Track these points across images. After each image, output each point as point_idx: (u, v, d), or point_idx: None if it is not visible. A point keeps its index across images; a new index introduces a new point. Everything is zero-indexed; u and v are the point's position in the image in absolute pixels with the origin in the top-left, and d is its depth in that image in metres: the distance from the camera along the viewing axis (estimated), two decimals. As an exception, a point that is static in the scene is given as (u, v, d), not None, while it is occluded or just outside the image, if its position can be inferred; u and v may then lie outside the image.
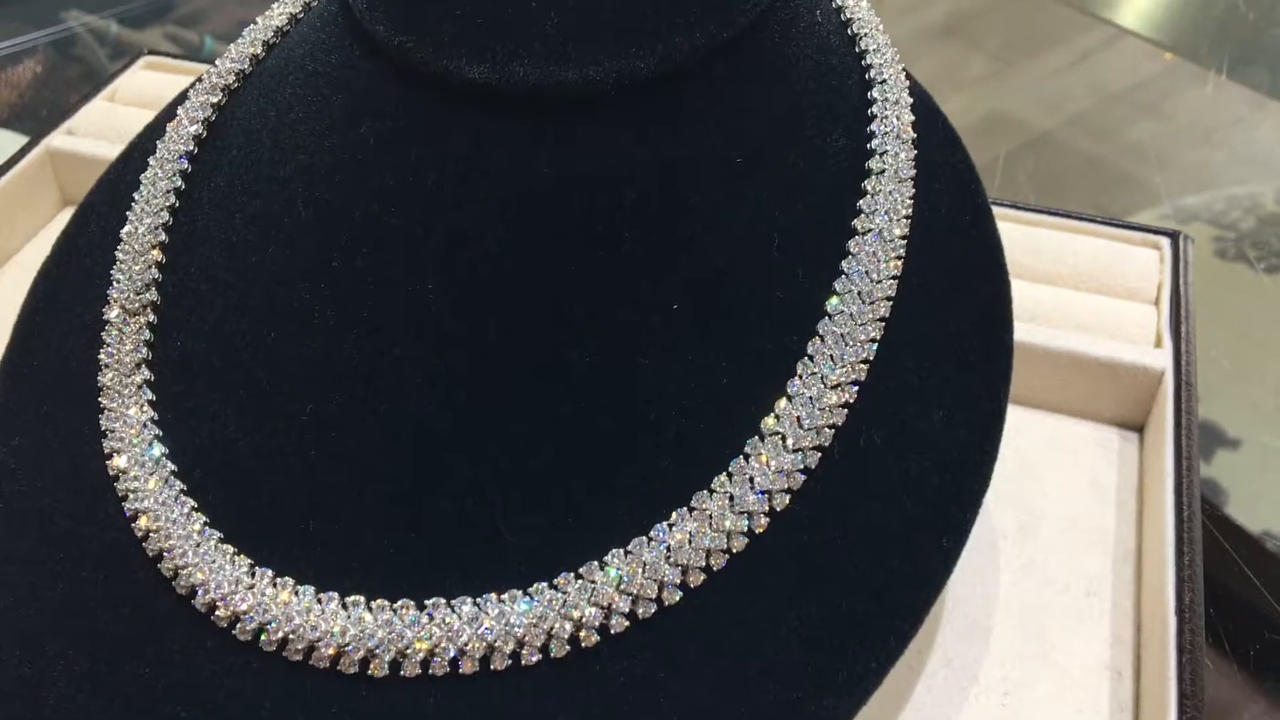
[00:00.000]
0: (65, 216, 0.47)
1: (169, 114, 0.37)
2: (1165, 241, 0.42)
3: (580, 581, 0.28)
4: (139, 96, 0.49)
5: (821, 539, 0.29)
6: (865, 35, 0.34)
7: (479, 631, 0.28)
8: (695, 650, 0.28)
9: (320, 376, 0.31)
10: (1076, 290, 0.41)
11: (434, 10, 0.30)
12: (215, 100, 0.36)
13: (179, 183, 0.35)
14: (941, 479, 0.30)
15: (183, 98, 0.37)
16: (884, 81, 0.33)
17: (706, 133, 0.31)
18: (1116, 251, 0.41)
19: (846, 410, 0.30)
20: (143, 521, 0.30)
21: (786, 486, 0.29)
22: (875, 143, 0.33)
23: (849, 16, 0.34)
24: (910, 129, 0.33)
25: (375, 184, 0.31)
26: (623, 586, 0.28)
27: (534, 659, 0.28)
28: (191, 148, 0.35)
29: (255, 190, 0.33)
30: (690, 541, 0.28)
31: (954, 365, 0.31)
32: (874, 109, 0.33)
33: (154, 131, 0.38)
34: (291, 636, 0.28)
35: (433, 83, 0.30)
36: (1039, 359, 0.39)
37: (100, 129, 0.47)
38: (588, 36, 0.29)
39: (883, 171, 0.32)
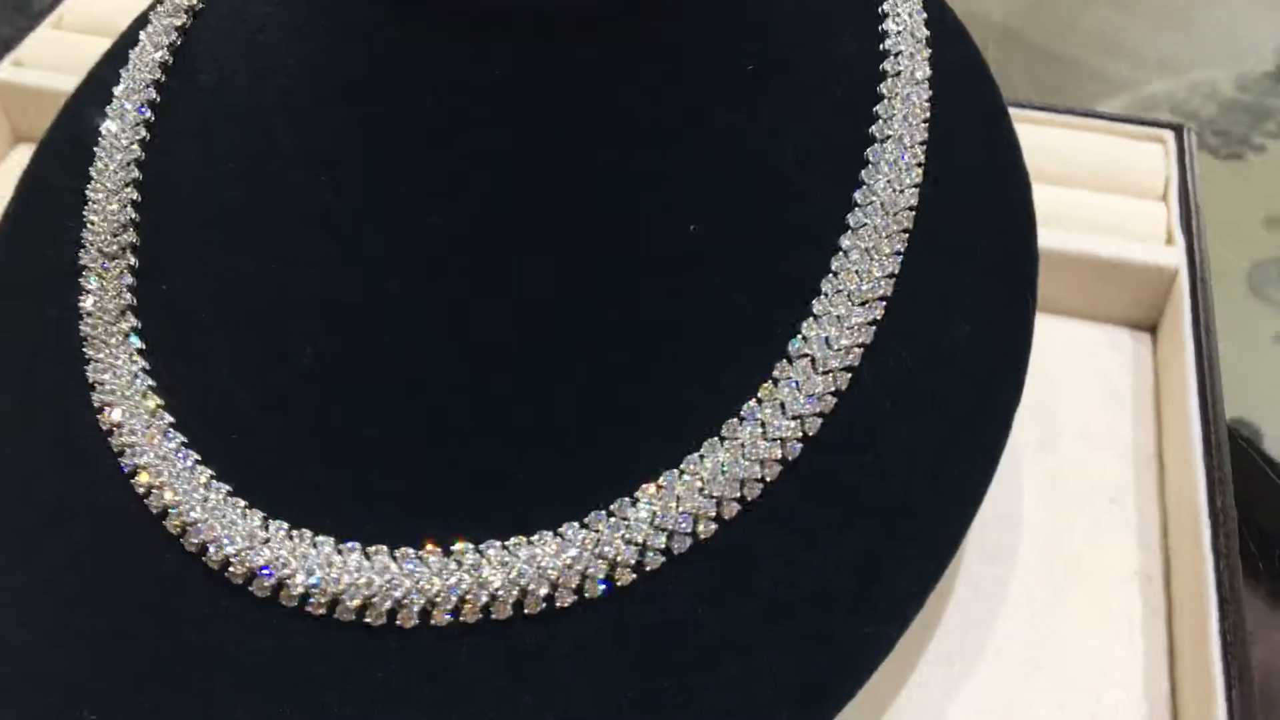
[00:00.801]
0: (19, 154, 0.45)
1: (130, 40, 0.35)
2: (1169, 135, 0.41)
3: (612, 519, 0.27)
4: (88, 22, 0.46)
5: (855, 463, 0.28)
6: None
7: (510, 576, 0.27)
8: (732, 584, 0.27)
9: (319, 315, 0.29)
10: (1081, 189, 0.40)
11: None
12: (179, 23, 0.34)
13: (148, 114, 0.33)
14: (975, 394, 0.29)
15: (143, 21, 0.35)
16: None
17: (713, 46, 0.29)
18: (1119, 148, 0.40)
19: (875, 327, 0.29)
20: (143, 477, 0.29)
21: (818, 410, 0.28)
22: (889, 43, 0.31)
23: None
24: (923, 26, 0.32)
25: (365, 113, 0.29)
26: (656, 522, 0.27)
27: (569, 601, 0.27)
28: (158, 75, 0.33)
29: (232, 119, 0.32)
30: (723, 472, 0.27)
31: (981, 274, 0.30)
32: (884, 7, 0.32)
33: (114, 60, 0.36)
34: (313, 591, 0.27)
35: (422, 5, 0.28)
36: (1046, 261, 0.38)
37: (50, 59, 0.44)
38: None
39: (898, 74, 0.31)
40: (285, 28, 0.31)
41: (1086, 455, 0.35)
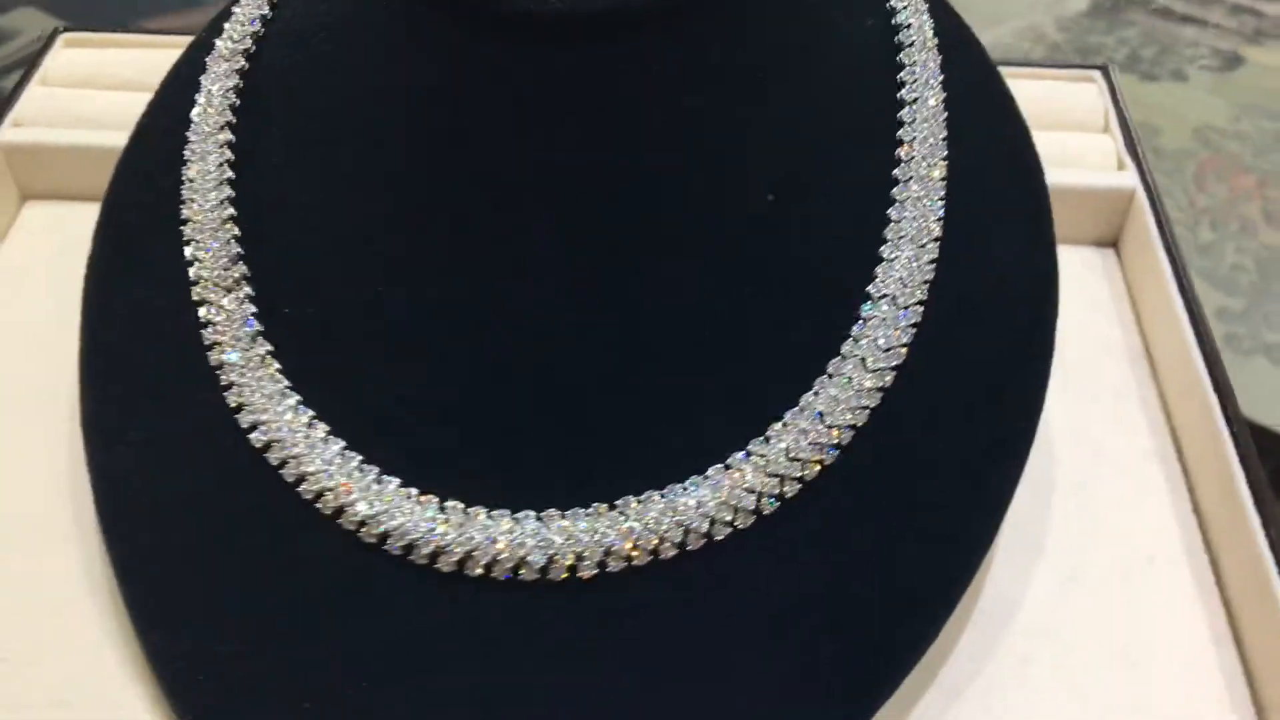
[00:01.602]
0: (28, 212, 0.46)
1: (178, 91, 0.37)
2: (1097, 74, 0.47)
3: (712, 481, 0.31)
4: (74, 77, 0.47)
5: (906, 454, 0.32)
6: None
7: (674, 519, 0.30)
8: (808, 547, 0.31)
9: (441, 322, 0.32)
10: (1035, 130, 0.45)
11: None
12: (239, 66, 0.36)
13: (229, 154, 0.35)
14: (1029, 315, 0.34)
15: (192, 70, 0.37)
16: None
17: (754, 40, 0.33)
18: (1058, 89, 0.46)
19: (934, 266, 0.33)
20: (315, 484, 0.31)
21: (865, 404, 0.32)
22: (900, 18, 0.35)
23: None
24: (924, 1, 0.36)
25: (452, 126, 0.32)
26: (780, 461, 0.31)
27: (723, 534, 0.30)
28: (230, 118, 0.35)
29: (312, 143, 0.34)
30: (789, 451, 0.31)
31: (1005, 219, 0.35)
32: None
33: (163, 110, 0.37)
34: (501, 560, 0.30)
35: (495, 19, 0.31)
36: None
37: (48, 117, 0.45)
38: None
39: (911, 44, 0.35)
40: (352, 45, 0.34)
41: (1090, 358, 0.40)
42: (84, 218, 0.44)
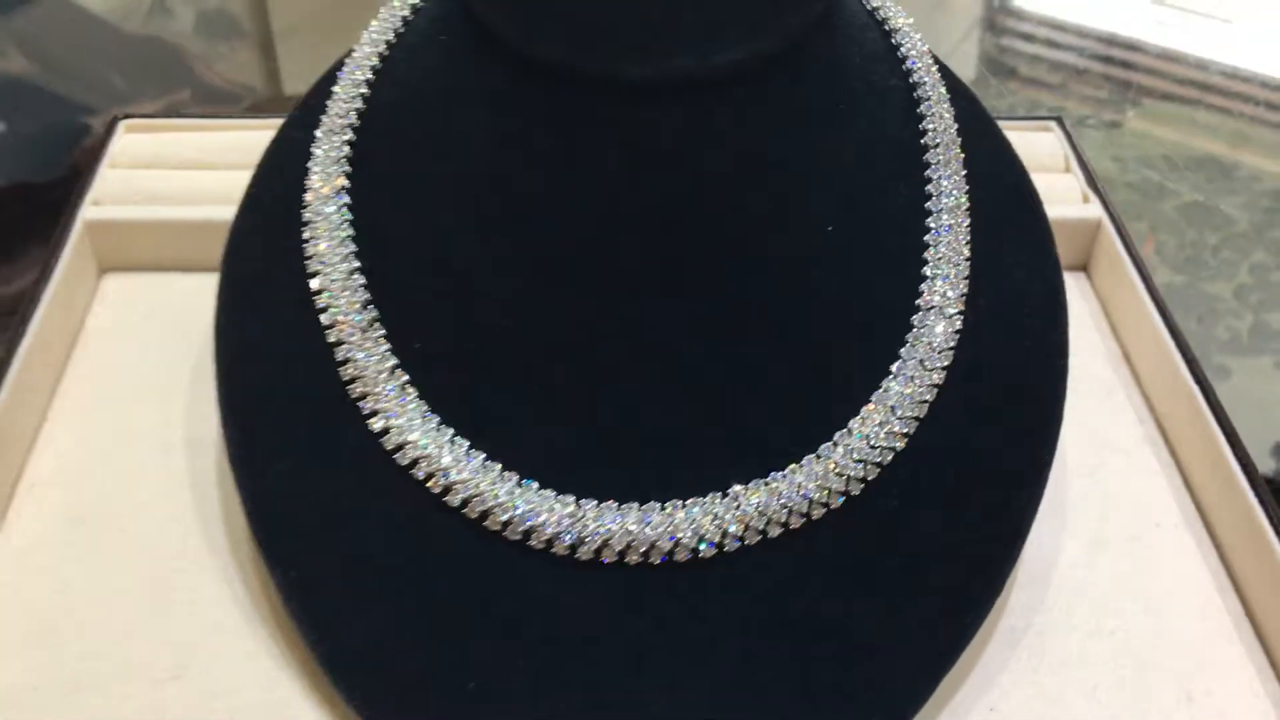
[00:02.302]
0: (108, 284, 0.49)
1: (287, 156, 0.41)
2: (1054, 124, 0.54)
3: (806, 468, 0.36)
4: (139, 159, 0.51)
5: (973, 396, 0.38)
6: (889, 18, 0.42)
7: (781, 501, 0.35)
8: (891, 524, 0.37)
9: (557, 347, 0.37)
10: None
11: (576, 18, 0.36)
12: (348, 137, 0.40)
13: (348, 214, 0.39)
14: (1043, 322, 0.40)
15: (299, 136, 0.41)
16: (907, 28, 0.42)
17: (815, 97, 0.38)
18: (1023, 137, 0.52)
19: (967, 281, 0.39)
20: (462, 495, 0.35)
21: (915, 415, 0.37)
22: (915, 77, 0.41)
23: (873, 5, 0.43)
24: (931, 55, 0.42)
25: (556, 178, 0.37)
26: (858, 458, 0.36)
27: (819, 513, 0.36)
28: (345, 182, 0.40)
29: (428, 204, 0.39)
30: (869, 440, 0.37)
31: (1018, 240, 0.41)
32: (903, 49, 0.42)
33: (275, 174, 0.41)
34: (632, 547, 0.35)
35: (594, 82, 0.36)
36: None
37: (120, 195, 0.49)
38: (714, 21, 0.36)
39: (929, 99, 0.41)
40: (456, 108, 0.38)
41: (1080, 363, 0.46)
42: (157, 286, 0.49)
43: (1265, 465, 0.79)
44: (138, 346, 0.47)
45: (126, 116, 0.52)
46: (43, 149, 0.96)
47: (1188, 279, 0.93)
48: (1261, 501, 0.40)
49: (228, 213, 0.46)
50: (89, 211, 0.48)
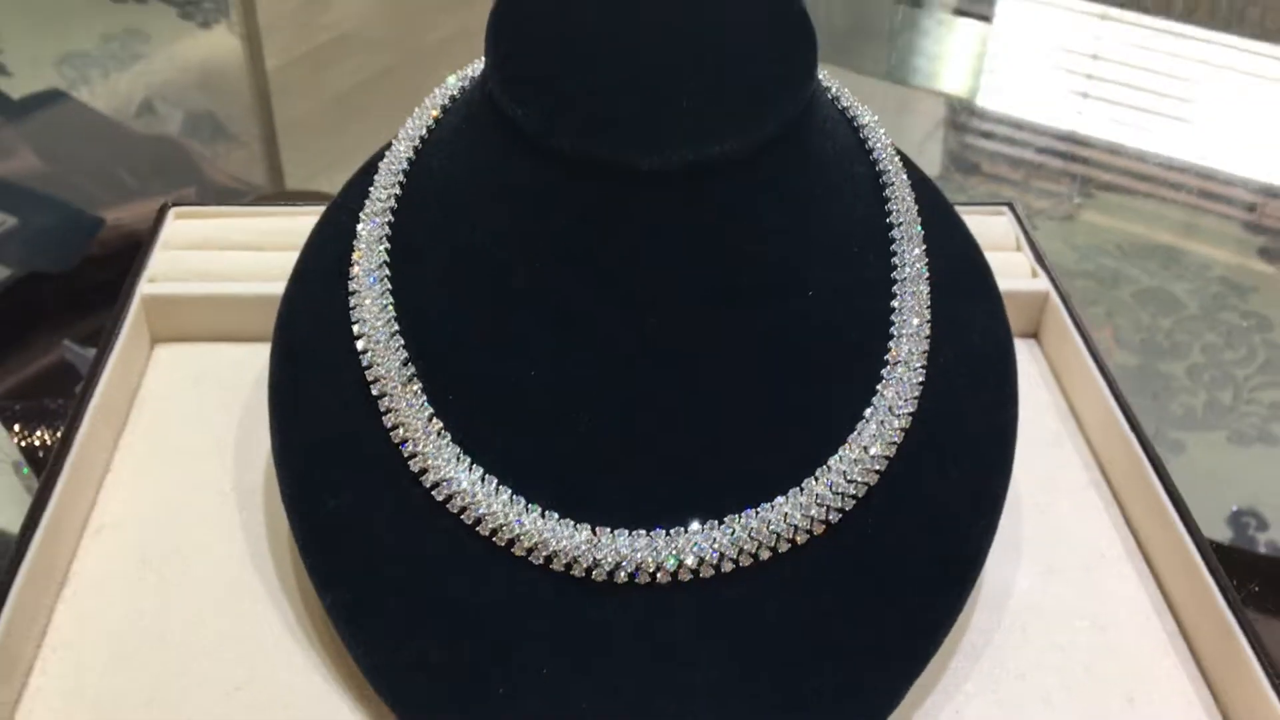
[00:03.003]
0: (159, 353, 0.54)
1: (333, 236, 0.47)
2: (1006, 209, 0.60)
3: (792, 499, 0.41)
4: (189, 242, 0.56)
5: (936, 438, 0.44)
6: (857, 116, 0.49)
7: (770, 528, 0.41)
8: (870, 545, 0.42)
9: (574, 397, 0.42)
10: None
11: (592, 114, 0.41)
12: (388, 220, 0.46)
13: (388, 285, 0.45)
14: (996, 375, 0.46)
15: (344, 218, 0.47)
16: (872, 124, 0.49)
17: (798, 182, 0.44)
18: (978, 220, 0.58)
19: (929, 340, 0.45)
20: (494, 523, 0.41)
21: (912, 397, 0.43)
22: (879, 165, 0.48)
23: (844, 105, 0.49)
24: (893, 148, 0.48)
25: (572, 252, 0.43)
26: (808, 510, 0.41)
27: (803, 539, 0.41)
28: (386, 258, 0.45)
29: (461, 277, 0.44)
30: (845, 476, 0.42)
31: (971, 303, 0.47)
32: (869, 142, 0.48)
33: (322, 251, 0.47)
34: (642, 568, 0.40)
35: (606, 172, 0.42)
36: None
37: (172, 273, 0.55)
38: (714, 116, 0.42)
39: (892, 184, 0.47)
40: (482, 192, 0.44)
41: (1030, 417, 0.52)
42: (204, 355, 0.54)
43: (1221, 534, 0.85)
44: (188, 408, 0.52)
45: (176, 204, 0.58)
46: (55, 242, 1.02)
47: (1143, 360, 1.00)
48: (1191, 534, 0.45)
49: (267, 288, 0.52)
50: (145, 288, 0.54)
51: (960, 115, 1.31)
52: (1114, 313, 1.04)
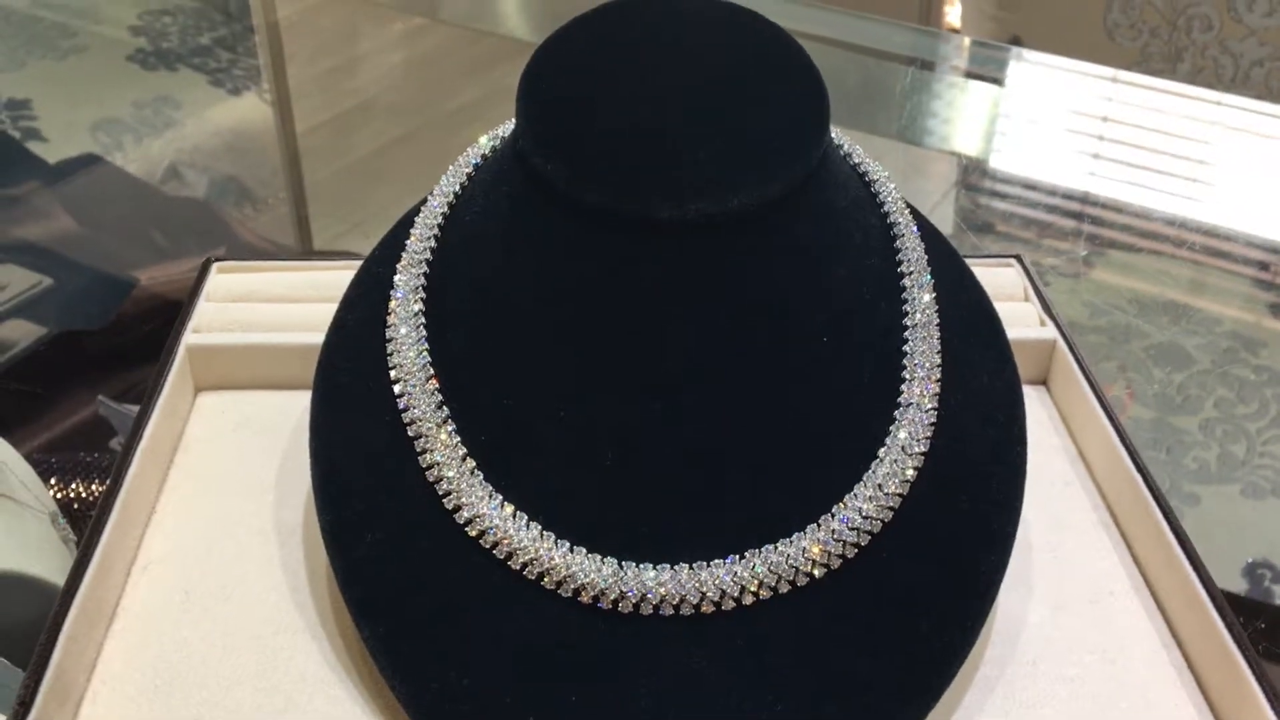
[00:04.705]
0: (202, 400, 0.57)
1: (371, 286, 0.49)
2: (1014, 261, 0.62)
3: (810, 535, 0.43)
4: (230, 294, 0.59)
5: (948, 476, 0.45)
6: (868, 171, 0.51)
7: (788, 563, 0.42)
8: (888, 579, 0.44)
9: (599, 439, 0.44)
10: (975, 302, 0.60)
11: (616, 168, 0.44)
12: (423, 271, 0.48)
13: (424, 331, 0.47)
14: (1004, 415, 0.48)
15: (381, 269, 0.49)
16: (883, 179, 0.51)
17: (813, 233, 0.46)
18: (988, 272, 0.61)
19: (940, 382, 0.47)
20: (525, 557, 0.43)
21: (924, 437, 0.45)
22: (891, 218, 0.50)
23: (855, 161, 0.51)
24: (903, 201, 0.51)
25: (597, 303, 0.45)
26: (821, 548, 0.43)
27: (820, 572, 0.43)
28: (421, 307, 0.47)
29: (490, 325, 0.46)
30: (861, 512, 0.44)
31: (980, 347, 0.49)
32: (880, 195, 0.50)
33: (361, 301, 0.49)
34: (662, 600, 0.42)
35: (629, 224, 0.44)
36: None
37: (215, 325, 0.57)
38: (732, 174, 0.44)
39: (902, 235, 0.49)
40: (513, 244, 0.46)
41: (1040, 460, 0.54)
42: (246, 401, 0.57)
43: (1237, 585, 0.86)
44: (230, 451, 0.54)
45: (219, 259, 0.60)
46: (89, 302, 1.04)
47: (1156, 414, 1.01)
48: (1197, 571, 0.47)
49: (306, 338, 0.55)
50: (189, 338, 0.56)
51: (972, 176, 1.34)
52: (1127, 367, 1.05)
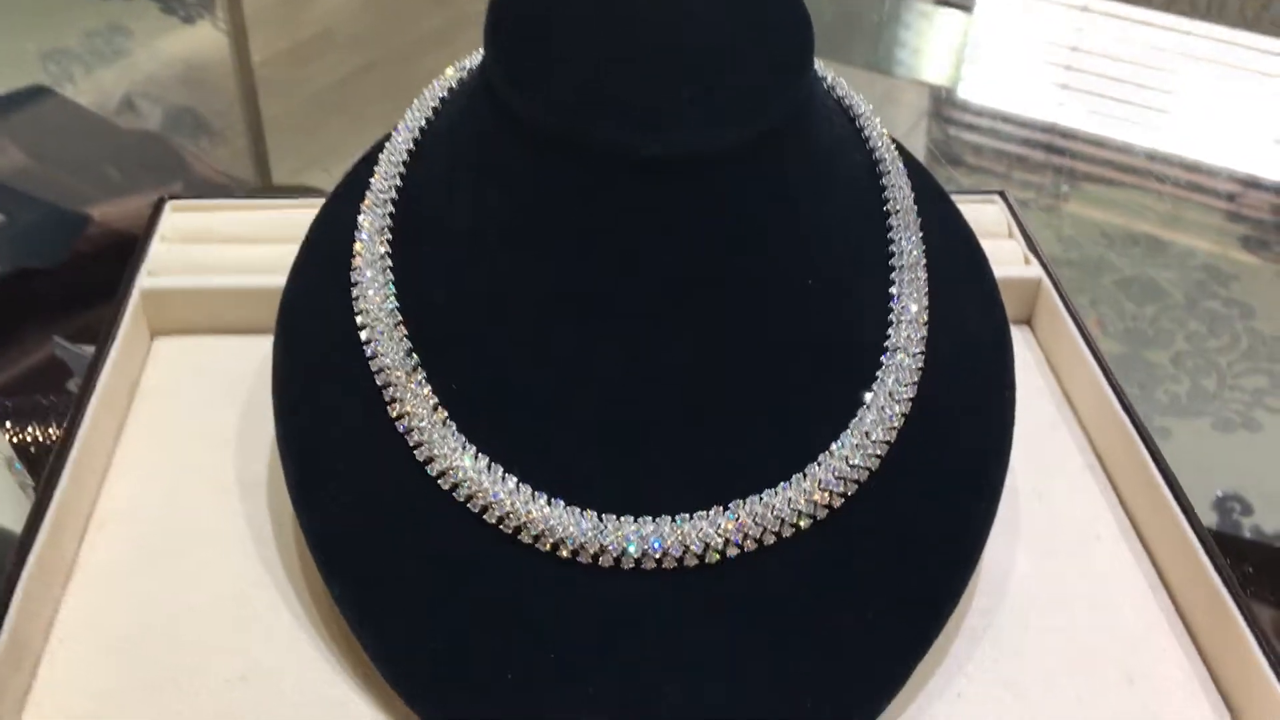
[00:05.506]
0: (160, 347, 0.55)
1: (332, 225, 0.47)
2: (998, 197, 0.61)
3: (795, 485, 0.42)
4: (185, 234, 0.57)
5: (936, 423, 0.44)
6: (853, 105, 0.49)
7: (774, 513, 0.41)
8: (877, 527, 0.42)
9: (575, 386, 0.43)
10: (958, 239, 0.58)
11: (594, 99, 0.41)
12: (389, 210, 0.46)
13: (390, 275, 0.45)
14: (992, 360, 0.46)
15: (344, 209, 0.47)
16: (868, 114, 0.49)
17: (797, 170, 0.44)
18: (970, 208, 0.59)
19: (927, 325, 0.45)
20: (500, 510, 0.41)
21: (911, 383, 0.44)
22: (877, 154, 0.48)
23: (839, 94, 0.49)
24: (889, 137, 0.49)
25: (574, 245, 0.43)
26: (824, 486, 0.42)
27: (807, 523, 0.41)
28: (388, 248, 0.45)
29: (461, 264, 0.44)
30: (848, 461, 0.42)
31: (967, 289, 0.48)
32: (865, 131, 0.48)
33: (325, 241, 0.47)
34: (647, 555, 0.40)
35: (608, 160, 0.42)
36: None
37: (170, 267, 0.55)
38: (716, 105, 0.42)
39: (888, 171, 0.48)
40: (486, 183, 0.44)
41: (1025, 400, 0.52)
42: (205, 347, 0.55)
43: (1207, 519, 0.86)
44: (190, 400, 0.52)
45: (173, 197, 0.58)
46: (43, 239, 1.01)
47: (1128, 348, 1.01)
48: (1186, 515, 0.46)
49: (266, 280, 0.52)
50: (144, 281, 0.54)
51: (944, 108, 1.32)
52: (1099, 301, 1.04)
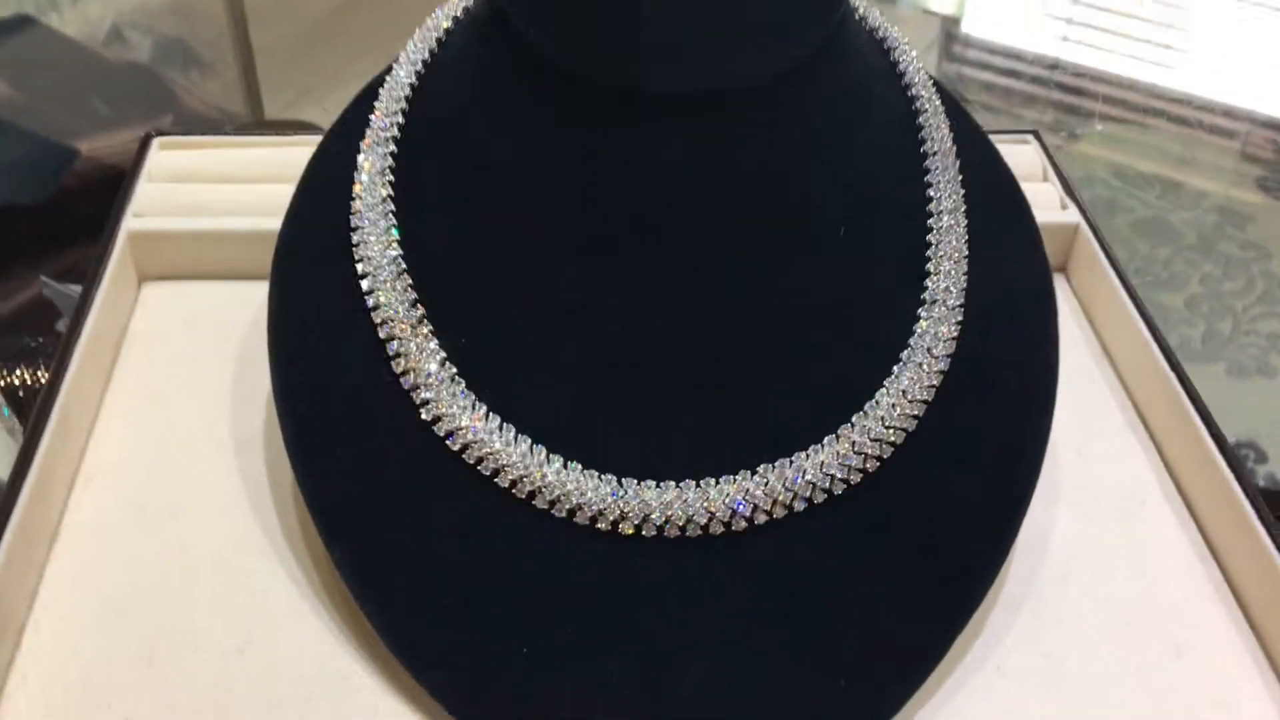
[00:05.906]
0: (147, 292, 0.52)
1: (331, 166, 0.44)
2: (1031, 137, 0.58)
3: (828, 448, 0.39)
4: (174, 174, 0.53)
5: (976, 380, 0.41)
6: (887, 37, 0.46)
7: (805, 478, 0.38)
8: (912, 493, 0.40)
9: (591, 341, 0.40)
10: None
11: (613, 33, 0.38)
12: (391, 150, 0.43)
13: (393, 220, 0.42)
14: (1035, 313, 0.44)
15: (343, 149, 0.44)
16: (904, 46, 0.46)
17: (826, 110, 0.41)
18: (1005, 149, 0.56)
19: (966, 276, 0.42)
20: (509, 475, 0.38)
21: (950, 338, 0.41)
22: (913, 90, 0.45)
23: (872, 25, 0.46)
24: (926, 72, 0.46)
25: (590, 188, 0.40)
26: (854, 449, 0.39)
27: (840, 489, 0.39)
28: (390, 191, 0.42)
29: (466, 210, 0.41)
30: (883, 421, 0.40)
31: (1009, 237, 0.45)
32: (900, 65, 0.45)
33: (321, 185, 0.44)
34: (664, 523, 0.38)
35: (626, 97, 0.39)
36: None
37: (159, 208, 0.52)
38: (739, 36, 0.39)
39: (925, 110, 0.45)
40: (492, 120, 0.41)
41: (1063, 355, 0.50)
42: (196, 294, 0.52)
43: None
44: (181, 349, 0.49)
45: (160, 134, 0.54)
46: (28, 174, 0.98)
47: (1141, 291, 0.98)
48: (1237, 475, 0.43)
49: (261, 223, 0.49)
50: (131, 223, 0.51)
51: (951, 44, 1.28)
52: (1111, 243, 1.02)
